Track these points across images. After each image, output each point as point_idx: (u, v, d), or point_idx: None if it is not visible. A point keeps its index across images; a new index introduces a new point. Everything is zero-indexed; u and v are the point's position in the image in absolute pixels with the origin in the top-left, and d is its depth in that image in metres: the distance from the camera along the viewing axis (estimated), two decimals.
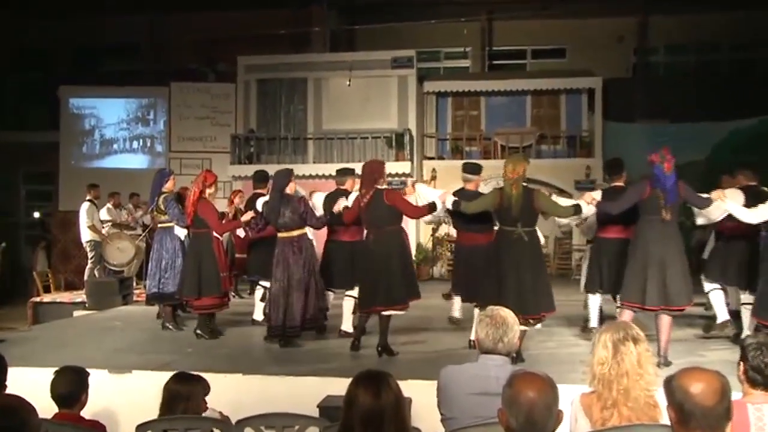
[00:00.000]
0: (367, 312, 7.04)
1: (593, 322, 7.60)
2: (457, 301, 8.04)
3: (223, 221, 8.38)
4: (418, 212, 7.17)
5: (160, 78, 18.86)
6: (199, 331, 7.97)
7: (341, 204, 7.48)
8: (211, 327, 8.09)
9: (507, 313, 3.50)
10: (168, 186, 8.63)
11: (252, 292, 10.83)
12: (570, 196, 13.41)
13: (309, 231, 7.59)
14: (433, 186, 14.76)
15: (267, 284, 8.51)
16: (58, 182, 18.94)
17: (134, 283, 12.54)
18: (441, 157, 18.34)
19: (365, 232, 7.24)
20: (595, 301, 7.66)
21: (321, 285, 7.47)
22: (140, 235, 13.00)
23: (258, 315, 8.88)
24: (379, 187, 6.98)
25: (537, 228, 6.66)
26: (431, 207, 7.02)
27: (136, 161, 18.73)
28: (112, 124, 19.03)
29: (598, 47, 18.62)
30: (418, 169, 17.63)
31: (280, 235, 7.40)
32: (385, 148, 17.28)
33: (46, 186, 20.23)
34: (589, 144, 17.74)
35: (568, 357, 6.78)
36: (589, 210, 6.86)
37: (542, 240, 6.93)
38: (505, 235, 6.50)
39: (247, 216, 8.01)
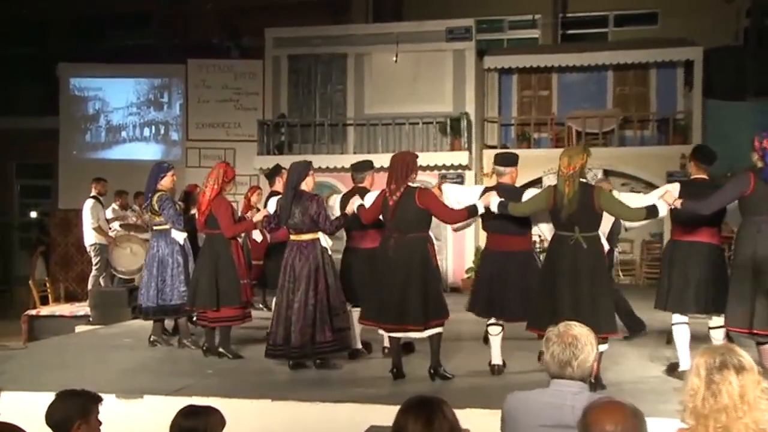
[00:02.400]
0: (372, 325, 7.06)
1: (681, 354, 7.08)
2: None
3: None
4: (456, 217, 7.06)
5: (176, 54, 19.09)
6: (222, 350, 8.06)
7: (355, 203, 7.44)
8: (210, 345, 8.22)
9: (580, 330, 3.45)
10: (165, 182, 8.70)
11: (266, 305, 10.93)
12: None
13: (325, 238, 7.50)
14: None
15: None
16: (57, 176, 19.27)
17: None
18: (504, 146, 18.20)
19: (384, 235, 7.17)
20: (680, 330, 7.09)
21: (338, 301, 7.42)
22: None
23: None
24: (411, 184, 6.95)
25: (601, 233, 6.55)
26: (472, 211, 6.94)
27: (148, 151, 18.96)
28: (120, 109, 19.31)
29: (698, 10, 18.25)
30: (476, 160, 17.56)
31: (291, 237, 7.46)
32: (437, 135, 17.24)
33: (44, 181, 20.61)
34: (685, 128, 17.44)
35: (658, 384, 6.69)
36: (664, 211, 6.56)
37: (606, 247, 6.79)
38: (561, 242, 6.42)
39: (260, 215, 8.08)
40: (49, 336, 11.21)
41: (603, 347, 6.27)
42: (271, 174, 9.48)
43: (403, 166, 7.00)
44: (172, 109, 19.36)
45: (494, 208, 6.83)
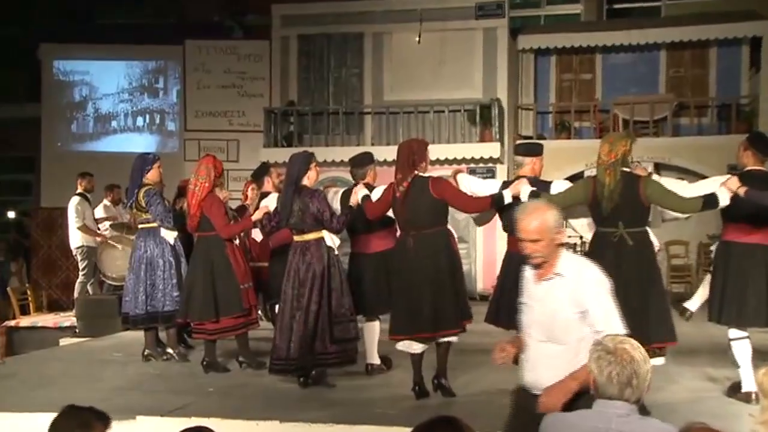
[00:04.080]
0: (404, 338, 6.96)
1: (743, 373, 6.93)
2: None
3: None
4: (477, 205, 7.02)
5: (172, 34, 19.11)
6: (242, 358, 8.17)
7: (359, 192, 7.39)
8: (211, 360, 8.24)
9: (632, 345, 3.44)
10: (151, 176, 8.73)
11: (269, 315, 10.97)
12: None
13: (331, 237, 7.49)
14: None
15: None
16: (39, 171, 19.35)
17: None
18: (541, 137, 18.13)
19: (399, 235, 7.14)
20: (740, 346, 6.92)
21: (346, 309, 7.39)
22: None
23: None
24: (420, 174, 6.90)
25: (648, 229, 6.46)
26: (497, 199, 6.84)
27: (141, 143, 18.96)
28: (110, 95, 19.39)
29: None
30: (509, 152, 17.49)
31: (294, 238, 7.47)
32: (465, 125, 17.20)
33: (24, 175, 20.70)
34: (750, 115, 17.32)
35: (717, 406, 6.62)
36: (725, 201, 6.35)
37: (656, 245, 6.69)
38: (602, 239, 6.36)
39: (260, 213, 8.06)
40: (30, 350, 11.26)
41: (658, 361, 6.13)
42: (258, 174, 9.51)
43: (409, 154, 6.96)
44: (168, 95, 19.43)
45: (524, 198, 6.69)
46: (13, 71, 20.42)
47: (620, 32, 17.94)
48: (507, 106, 17.45)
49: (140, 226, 8.79)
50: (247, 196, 10.66)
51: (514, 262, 7.13)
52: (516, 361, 4.26)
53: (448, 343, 6.90)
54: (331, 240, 7.42)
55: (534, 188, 6.73)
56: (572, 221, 6.94)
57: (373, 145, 17.35)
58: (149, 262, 8.60)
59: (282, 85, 18.57)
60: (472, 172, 16.67)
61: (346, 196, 7.84)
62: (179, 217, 8.80)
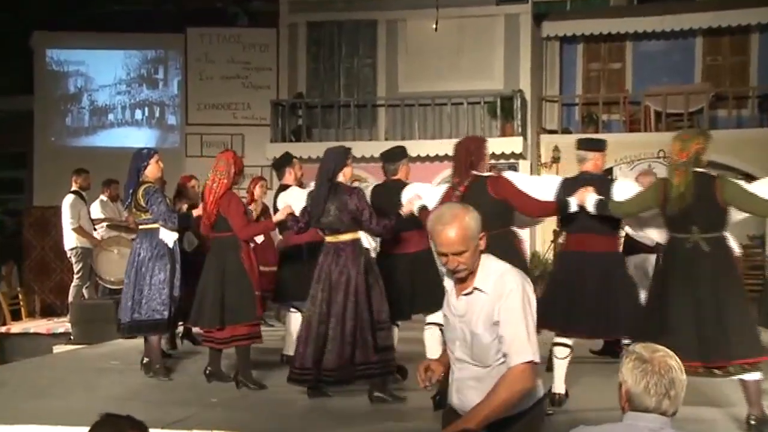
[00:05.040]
0: None
1: None
2: None
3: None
4: (542, 209, 7.00)
5: (173, 21, 19.14)
6: (241, 378, 7.95)
7: (415, 203, 7.34)
8: (214, 370, 8.20)
9: (667, 355, 3.43)
10: (150, 172, 8.50)
11: (280, 319, 10.96)
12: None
13: (368, 238, 7.39)
14: (555, 172, 14.62)
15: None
16: (31, 167, 19.46)
17: None
18: (567, 130, 18.14)
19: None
20: None
21: (383, 314, 7.30)
22: None
23: (291, 349, 8.90)
24: (479, 173, 6.88)
25: (727, 233, 6.37)
26: (563, 205, 6.83)
27: (140, 138, 19.04)
28: (107, 86, 19.47)
29: None
30: (533, 147, 17.49)
31: (326, 239, 7.38)
32: (485, 118, 17.21)
33: (15, 172, 20.76)
34: None
35: None
36: None
37: (737, 251, 6.56)
38: (674, 246, 6.28)
39: (283, 212, 7.98)
40: (22, 358, 11.29)
41: (753, 376, 6.04)
42: (280, 164, 9.37)
43: (466, 154, 6.94)
44: (169, 87, 19.48)
45: (591, 208, 6.67)
46: (3, 61, 20.40)
47: (652, 18, 17.89)
48: (530, 98, 17.43)
49: (140, 227, 8.64)
50: (253, 195, 10.64)
51: (571, 261, 7.19)
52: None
53: None
54: (368, 241, 7.34)
55: (601, 197, 6.68)
56: (649, 230, 6.93)
57: (386, 140, 17.35)
58: (140, 267, 8.44)
59: (290, 76, 18.61)
60: (492, 168, 16.69)
61: (376, 195, 7.81)
62: (181, 218, 8.75)
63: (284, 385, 7.86)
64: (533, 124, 17.57)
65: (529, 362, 3.91)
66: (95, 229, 13.03)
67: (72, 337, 11.67)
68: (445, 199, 6.99)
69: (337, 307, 7.13)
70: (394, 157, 8.15)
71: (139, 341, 9.16)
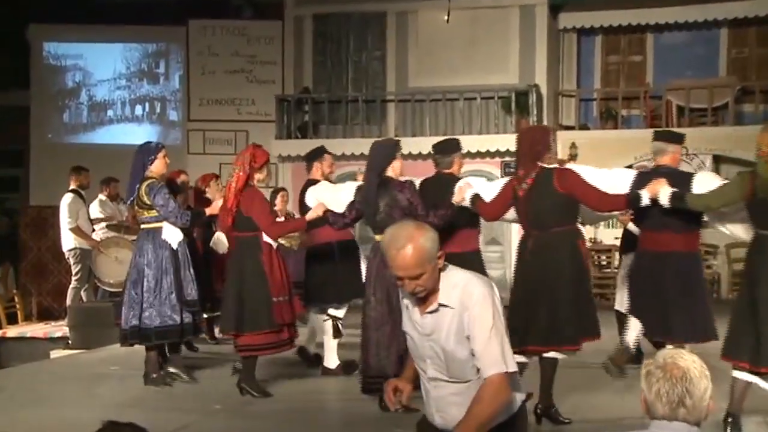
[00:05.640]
0: (518, 352, 6.83)
1: None
2: (634, 325, 7.65)
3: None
4: (612, 204, 6.91)
5: (175, 13, 19.11)
6: (243, 384, 7.90)
7: (467, 191, 7.22)
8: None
9: (689, 361, 3.43)
10: (156, 167, 8.39)
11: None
12: None
13: None
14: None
15: (338, 313, 8.57)
16: (28, 165, 19.44)
17: None
18: (584, 126, 18.10)
19: (522, 235, 6.99)
20: None
21: None
22: None
23: (331, 361, 8.80)
24: (545, 165, 6.76)
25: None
26: (633, 199, 6.74)
27: (141, 134, 18.91)
28: (106, 81, 19.49)
29: None
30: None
31: (376, 238, 7.29)
32: (500, 113, 17.18)
33: (11, 170, 20.77)
34: None
35: None
36: None
37: None
38: (763, 245, 6.20)
39: (319, 209, 7.79)
40: (19, 363, 11.29)
41: None
42: (313, 156, 9.16)
43: (532, 144, 6.82)
44: (170, 82, 19.50)
45: (664, 201, 6.60)
46: None
47: (675, 8, 17.73)
48: (546, 92, 17.42)
49: (142, 226, 8.50)
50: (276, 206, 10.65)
51: (646, 260, 7.15)
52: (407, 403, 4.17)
53: (554, 359, 6.71)
54: None
55: (675, 189, 6.61)
56: (731, 225, 6.85)
57: (396, 136, 17.31)
58: (142, 269, 8.32)
59: (296, 71, 18.61)
60: (506, 166, 16.71)
61: (425, 189, 7.64)
62: (197, 216, 8.67)
63: (289, 393, 7.91)
64: (549, 120, 17.50)
65: (504, 373, 3.87)
66: (94, 230, 13.04)
67: (70, 342, 11.71)
68: (507, 192, 6.95)
69: (395, 309, 6.87)
70: (448, 149, 8.05)
71: (140, 346, 9.13)
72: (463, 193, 7.23)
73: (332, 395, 7.82)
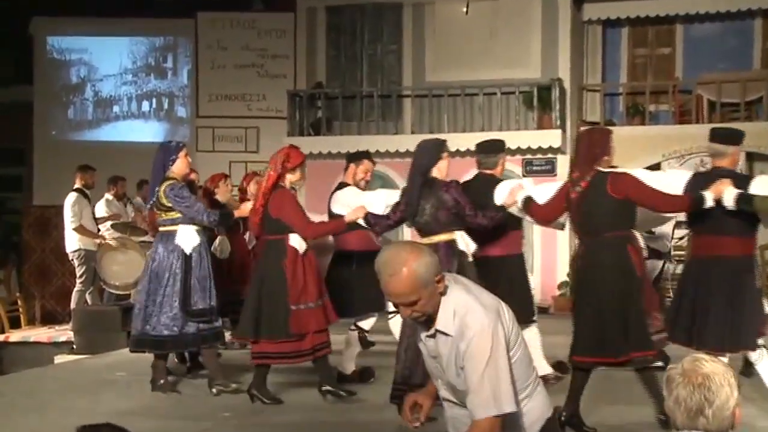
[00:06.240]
0: (583, 363, 6.73)
1: None
2: None
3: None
4: (674, 205, 6.91)
5: (183, 6, 19.16)
6: (254, 391, 7.85)
7: (518, 193, 7.16)
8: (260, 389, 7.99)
9: (713, 367, 3.42)
10: (178, 168, 8.30)
11: None
12: None
13: (464, 239, 7.20)
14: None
15: (365, 324, 8.54)
16: (31, 163, 19.56)
17: None
18: (610, 122, 18.01)
19: (579, 238, 6.98)
20: None
21: None
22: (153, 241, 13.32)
23: (348, 368, 8.73)
24: (601, 169, 6.71)
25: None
26: (697, 201, 6.70)
27: (148, 131, 19.14)
28: (112, 76, 19.57)
29: None
30: (573, 141, 17.40)
31: (424, 241, 7.13)
32: (521, 109, 17.14)
33: (14, 169, 20.87)
34: None
35: None
36: None
37: None
38: None
39: (359, 212, 7.67)
40: (22, 368, 11.35)
41: None
42: (353, 158, 8.99)
43: (589, 146, 6.79)
44: (178, 76, 19.55)
45: (729, 203, 6.57)
46: (0, 49, 20.58)
47: None
48: (570, 87, 17.37)
49: (160, 228, 8.39)
50: (245, 192, 10.56)
51: (700, 267, 7.12)
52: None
53: (588, 371, 6.70)
54: (464, 242, 7.19)
55: (742, 191, 6.58)
56: None
57: (413, 133, 17.36)
58: (156, 275, 8.25)
59: (308, 65, 18.62)
60: (528, 164, 16.70)
61: (469, 189, 7.53)
62: (226, 217, 8.66)
63: (302, 401, 7.91)
64: (573, 116, 17.49)
65: (494, 416, 3.79)
66: (99, 230, 13.07)
67: (75, 347, 11.75)
68: (561, 195, 6.90)
69: None
70: (493, 149, 8.07)
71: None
72: (515, 196, 7.18)
73: (347, 404, 7.81)
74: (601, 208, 6.59)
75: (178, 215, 8.20)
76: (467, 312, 3.86)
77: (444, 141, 7.53)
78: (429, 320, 3.93)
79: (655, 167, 15.94)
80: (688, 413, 3.32)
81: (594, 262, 6.64)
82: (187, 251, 8.24)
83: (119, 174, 13.80)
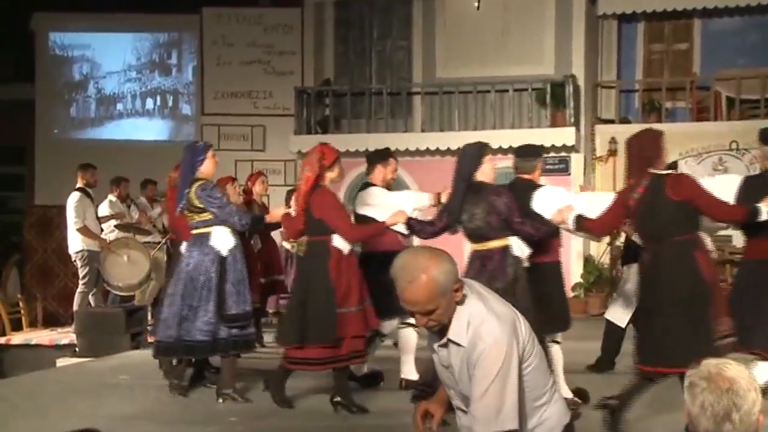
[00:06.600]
0: (648, 372, 6.64)
1: None
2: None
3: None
4: (731, 214, 6.87)
5: (187, 1, 19.14)
6: (338, 399, 7.69)
7: (568, 214, 7.00)
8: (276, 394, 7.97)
9: (738, 372, 3.40)
10: (206, 168, 8.27)
11: None
12: None
13: (519, 244, 7.14)
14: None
15: (385, 328, 8.47)
16: (32, 162, 19.59)
17: (149, 316, 12.81)
18: (625, 120, 18.02)
19: (642, 245, 6.91)
20: None
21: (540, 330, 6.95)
22: (158, 242, 13.33)
23: (410, 373, 8.59)
24: (657, 171, 6.64)
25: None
26: (751, 212, 6.70)
27: (152, 129, 19.21)
28: (115, 73, 19.60)
29: None
30: (587, 138, 17.42)
31: (472, 247, 7.23)
32: (534, 106, 17.13)
33: (15, 168, 20.91)
34: None
35: None
36: None
37: None
38: None
39: (400, 216, 7.60)
40: (23, 371, 11.36)
41: None
42: (378, 158, 8.86)
43: (640, 150, 6.73)
44: (183, 73, 19.58)
45: None
46: (1, 46, 20.60)
47: None
48: (584, 84, 17.35)
49: (193, 231, 8.27)
50: (251, 193, 10.60)
51: (753, 271, 7.18)
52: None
53: (652, 380, 6.65)
54: (519, 248, 7.14)
55: None
56: None
57: (423, 131, 17.38)
58: (190, 278, 8.14)
59: (316, 61, 18.63)
60: (543, 164, 16.68)
61: (519, 193, 7.46)
62: (258, 220, 8.65)
63: (312, 406, 7.90)
64: (587, 113, 17.47)
65: None
66: (102, 230, 13.08)
67: (77, 349, 11.73)
68: (619, 203, 6.82)
69: None
70: (531, 153, 8.05)
71: (151, 354, 9.15)
72: (563, 216, 7.07)
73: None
74: (663, 212, 6.53)
75: (211, 216, 8.12)
76: (481, 323, 3.79)
77: (485, 144, 7.45)
78: (442, 329, 3.87)
79: (672, 166, 15.87)
80: (714, 419, 3.29)
81: (660, 268, 6.57)
82: (223, 253, 8.14)
83: (123, 173, 13.82)
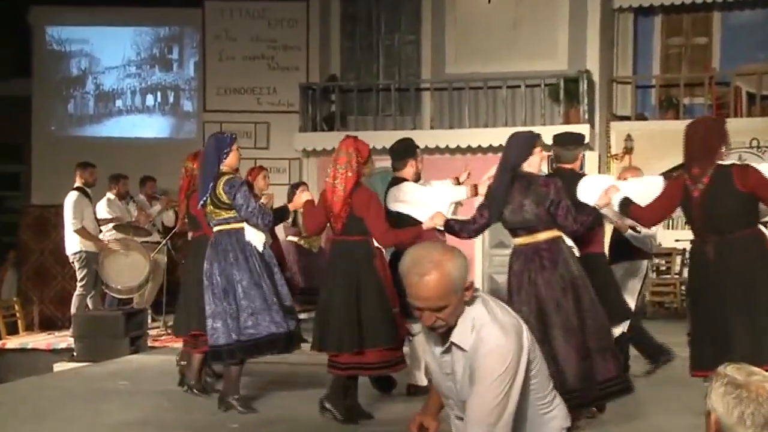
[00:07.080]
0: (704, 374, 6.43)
1: None
2: None
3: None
4: None
5: None
6: (328, 405, 7.56)
7: (614, 195, 6.90)
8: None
9: (765, 379, 3.39)
10: (230, 161, 8.19)
11: None
12: None
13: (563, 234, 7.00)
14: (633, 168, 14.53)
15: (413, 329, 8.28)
16: (29, 160, 19.66)
17: (149, 319, 12.86)
18: (641, 116, 18.01)
19: (693, 241, 6.81)
20: None
21: (600, 321, 6.85)
22: (158, 243, 13.37)
23: (420, 379, 8.48)
24: (722, 162, 6.58)
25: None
26: None
27: (152, 126, 19.22)
28: (115, 68, 19.63)
29: None
30: (602, 135, 17.40)
31: (516, 241, 7.05)
32: (547, 102, 17.11)
33: (11, 166, 20.94)
34: None
35: None
36: None
37: None
38: None
39: (438, 219, 7.48)
40: (19, 377, 11.35)
41: None
42: (407, 153, 8.76)
43: (704, 137, 6.64)
44: (184, 69, 19.59)
45: None
46: None
47: None
48: (599, 79, 17.33)
49: (218, 227, 8.12)
50: (252, 188, 10.61)
51: None
52: None
53: None
54: (570, 240, 7.01)
55: None
56: None
57: (432, 128, 17.37)
58: (229, 276, 7.93)
59: (321, 56, 18.64)
60: (553, 160, 16.63)
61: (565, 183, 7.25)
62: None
63: (312, 413, 7.87)
64: (602, 110, 17.44)
65: None
66: (101, 231, 13.08)
67: (75, 354, 11.75)
68: (675, 193, 6.74)
69: (559, 321, 6.69)
70: (573, 141, 7.97)
71: (153, 358, 9.18)
72: (609, 197, 6.97)
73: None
74: (730, 205, 6.46)
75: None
76: (484, 327, 3.75)
77: (537, 135, 7.23)
78: (446, 333, 3.82)
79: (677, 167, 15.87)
80: (754, 429, 3.26)
81: (734, 261, 6.48)
82: (260, 248, 8.08)
83: (122, 171, 13.82)
